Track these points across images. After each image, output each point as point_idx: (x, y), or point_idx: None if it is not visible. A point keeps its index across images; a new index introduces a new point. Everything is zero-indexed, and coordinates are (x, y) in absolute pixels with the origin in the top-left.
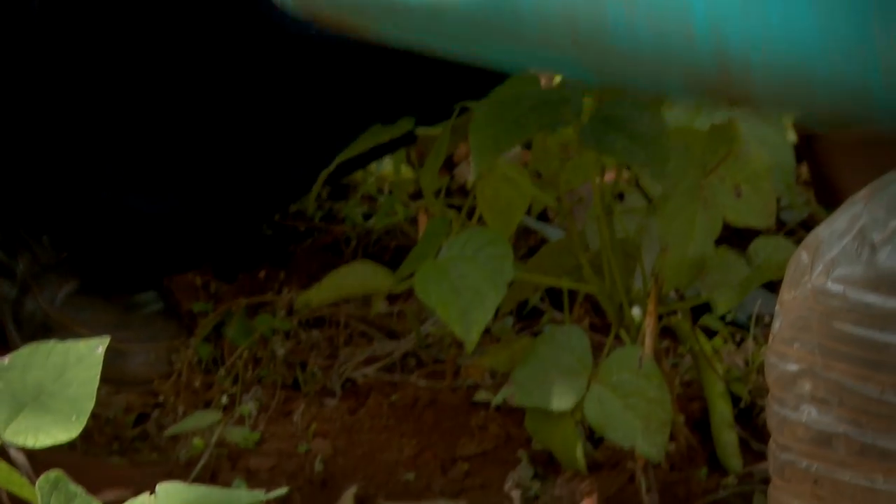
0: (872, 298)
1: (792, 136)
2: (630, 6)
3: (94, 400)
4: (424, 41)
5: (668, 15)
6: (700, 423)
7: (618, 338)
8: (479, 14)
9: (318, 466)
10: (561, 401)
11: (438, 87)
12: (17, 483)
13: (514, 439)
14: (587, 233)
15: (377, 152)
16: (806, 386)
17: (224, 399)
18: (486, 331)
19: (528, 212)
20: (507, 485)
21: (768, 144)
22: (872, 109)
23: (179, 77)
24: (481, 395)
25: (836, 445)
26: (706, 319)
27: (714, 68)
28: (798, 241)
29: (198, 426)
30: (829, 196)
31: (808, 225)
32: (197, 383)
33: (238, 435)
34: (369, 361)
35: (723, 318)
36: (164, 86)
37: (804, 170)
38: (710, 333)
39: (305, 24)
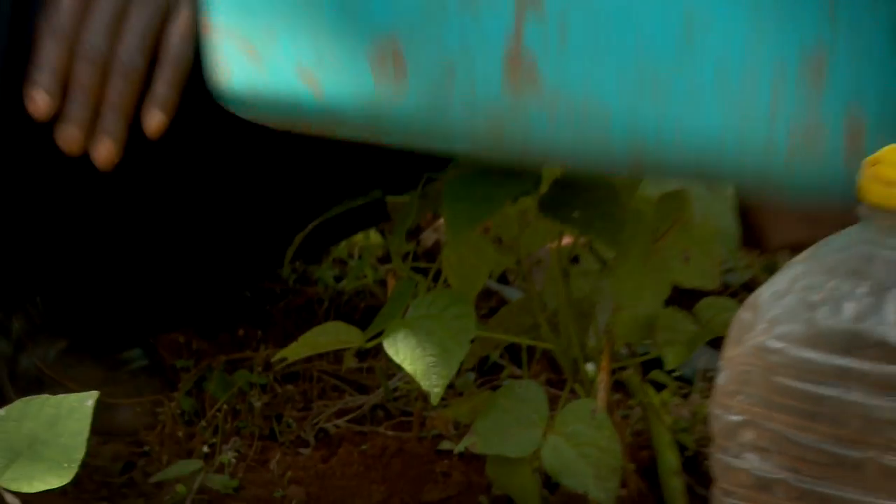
0: (811, 354)
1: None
2: (552, 114)
3: (85, 449)
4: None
5: (588, 127)
6: (649, 470)
7: (573, 391)
8: (414, 124)
9: None
10: (519, 449)
11: (405, 162)
12: None
13: (476, 485)
14: (545, 293)
15: (354, 227)
16: (748, 435)
17: (205, 449)
18: (450, 385)
19: (490, 275)
20: None
21: (713, 212)
22: (778, 186)
23: (154, 155)
24: (445, 445)
25: (777, 491)
26: (655, 374)
27: (628, 159)
28: (741, 302)
29: (181, 474)
30: (754, 238)
31: (750, 286)
32: (180, 434)
33: (218, 482)
34: (341, 413)
35: (671, 372)
36: (141, 163)
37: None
38: (659, 387)
39: None
